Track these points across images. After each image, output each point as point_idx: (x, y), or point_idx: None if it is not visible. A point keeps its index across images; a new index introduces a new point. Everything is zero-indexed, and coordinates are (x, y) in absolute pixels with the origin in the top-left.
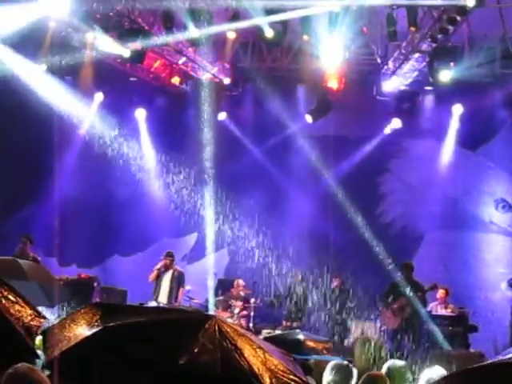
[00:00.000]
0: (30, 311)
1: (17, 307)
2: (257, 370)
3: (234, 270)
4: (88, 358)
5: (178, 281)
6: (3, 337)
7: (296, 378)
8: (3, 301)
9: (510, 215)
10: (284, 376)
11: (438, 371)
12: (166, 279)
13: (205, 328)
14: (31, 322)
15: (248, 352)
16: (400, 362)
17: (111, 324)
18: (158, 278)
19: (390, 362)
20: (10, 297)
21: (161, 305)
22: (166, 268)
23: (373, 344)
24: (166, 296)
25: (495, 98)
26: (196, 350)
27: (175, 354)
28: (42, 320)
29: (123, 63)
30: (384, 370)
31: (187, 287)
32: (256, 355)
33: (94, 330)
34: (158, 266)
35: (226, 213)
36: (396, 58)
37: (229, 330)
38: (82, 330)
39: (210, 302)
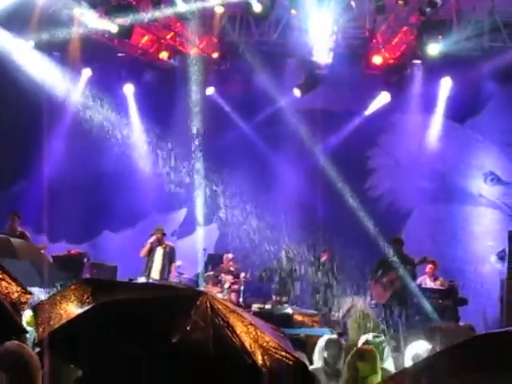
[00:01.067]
0: (17, 288)
1: (3, 283)
2: (249, 347)
3: (224, 245)
4: (79, 336)
5: (170, 256)
6: None
7: (287, 355)
8: None
9: (499, 188)
10: (276, 352)
11: (423, 346)
12: (159, 255)
13: (196, 305)
14: (19, 299)
15: (240, 329)
16: (378, 337)
17: (102, 301)
18: (150, 253)
19: (368, 336)
20: None
21: (151, 281)
22: (159, 243)
23: (364, 316)
24: (159, 272)
25: (483, 71)
26: (188, 328)
27: (167, 331)
28: (28, 296)
29: (111, 39)
30: (360, 343)
31: (178, 262)
32: (248, 332)
33: (86, 307)
34: (151, 241)
35: (214, 188)
36: (384, 32)
37: (220, 306)
38: (73, 307)
39: (200, 277)
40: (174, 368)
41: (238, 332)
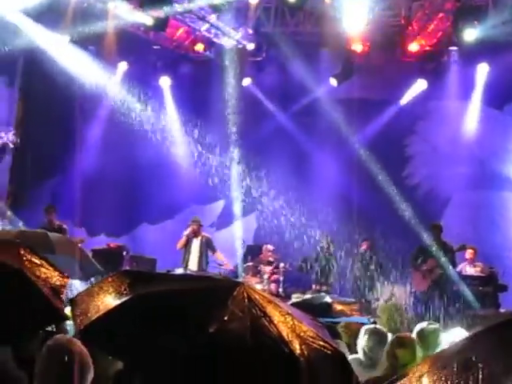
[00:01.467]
0: (54, 272)
1: (42, 269)
2: (286, 337)
3: (263, 236)
4: (117, 327)
5: (207, 246)
6: (31, 300)
7: (326, 344)
8: (28, 264)
9: None
10: (314, 342)
11: (460, 333)
12: (195, 246)
13: (233, 295)
14: (57, 283)
15: (277, 319)
16: (433, 325)
17: (140, 292)
18: (187, 244)
19: (423, 324)
20: (35, 259)
21: (188, 272)
22: (195, 234)
23: (396, 308)
24: (196, 263)
25: None
26: (226, 318)
27: (205, 322)
28: (66, 280)
29: (146, 31)
30: (416, 331)
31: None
32: (285, 322)
33: (123, 298)
34: (187, 233)
35: (252, 178)
36: (420, 19)
37: (257, 296)
38: (111, 299)
39: (239, 269)
40: (211, 358)
41: (275, 322)
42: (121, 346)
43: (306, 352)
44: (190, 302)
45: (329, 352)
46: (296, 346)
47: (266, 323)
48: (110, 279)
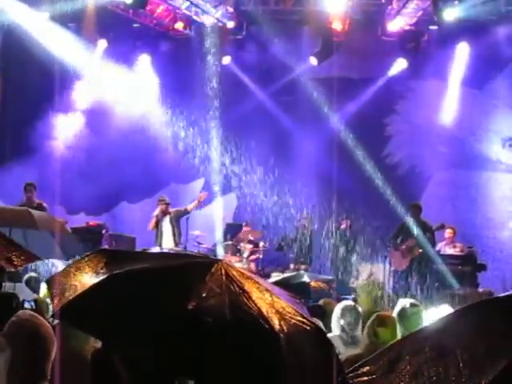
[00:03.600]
0: (16, 249)
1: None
2: (266, 313)
3: (242, 215)
4: (94, 306)
5: (177, 219)
6: None
7: (304, 320)
8: None
9: None
10: (292, 318)
11: (446, 310)
12: (166, 224)
13: (211, 272)
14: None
15: (256, 295)
16: (415, 303)
17: (117, 271)
18: (158, 224)
19: (405, 302)
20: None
21: (164, 250)
22: (164, 213)
23: (374, 285)
24: (172, 240)
25: (500, 36)
26: (204, 295)
27: (183, 299)
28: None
29: (126, 9)
30: (397, 309)
31: (196, 232)
32: (264, 298)
33: (100, 277)
34: (156, 213)
35: (232, 157)
36: None
37: (235, 273)
38: (88, 278)
39: (219, 247)
40: (190, 335)
41: (253, 298)
42: (99, 325)
43: (285, 328)
44: (168, 279)
45: (307, 327)
46: (275, 322)
47: (245, 299)
48: (86, 259)
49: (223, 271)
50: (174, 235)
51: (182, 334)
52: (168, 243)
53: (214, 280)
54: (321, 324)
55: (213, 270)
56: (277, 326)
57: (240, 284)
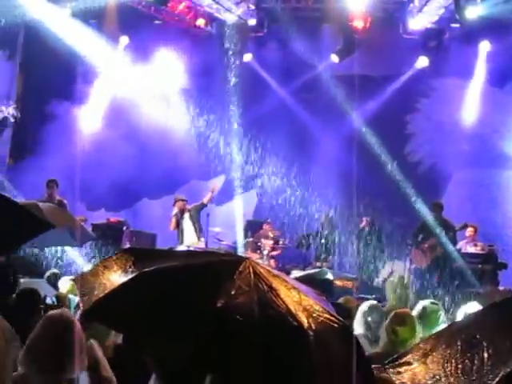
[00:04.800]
0: None
1: None
2: (294, 310)
3: (263, 211)
4: (125, 305)
5: (196, 215)
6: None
7: (332, 317)
8: None
9: None
10: (320, 315)
11: (475, 307)
12: (187, 222)
13: (239, 270)
14: None
15: (284, 292)
16: (435, 304)
17: (146, 269)
18: (178, 224)
19: (425, 303)
20: None
21: (191, 248)
22: (182, 211)
23: (402, 283)
24: (194, 236)
25: None
26: (233, 293)
27: (212, 297)
28: None
29: (147, 6)
30: (418, 309)
31: (216, 229)
32: (291, 295)
33: (130, 275)
34: (174, 213)
35: (253, 154)
36: None
37: (263, 271)
38: (117, 277)
39: (239, 244)
40: (220, 333)
41: (281, 295)
42: (129, 324)
43: (313, 325)
44: (196, 277)
45: (335, 325)
46: (304, 320)
47: (273, 297)
48: (114, 257)
49: (251, 269)
50: (195, 231)
51: (212, 331)
52: (190, 239)
53: (242, 278)
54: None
55: (241, 268)
56: (305, 324)
57: (268, 282)
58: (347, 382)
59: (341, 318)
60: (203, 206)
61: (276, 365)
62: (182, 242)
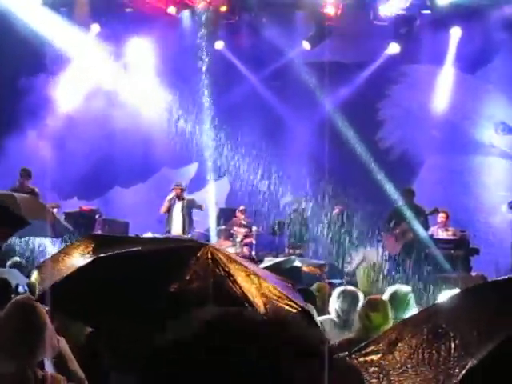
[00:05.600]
0: None
1: None
2: (250, 296)
3: (235, 199)
4: (79, 289)
5: (190, 208)
6: None
7: (291, 303)
8: None
9: (510, 138)
10: (279, 301)
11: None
12: (177, 209)
13: (197, 256)
14: None
15: (241, 278)
16: (405, 288)
17: (102, 255)
18: (170, 209)
19: (396, 287)
20: None
21: (170, 235)
22: (178, 197)
23: (375, 268)
24: (181, 226)
25: (493, 21)
26: (187, 278)
27: (166, 282)
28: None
29: None
30: (388, 294)
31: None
32: (250, 281)
33: (87, 261)
34: (169, 197)
35: (225, 141)
36: None
37: (222, 257)
38: (76, 262)
39: (212, 232)
40: (173, 317)
41: (238, 281)
42: (83, 309)
43: (270, 310)
44: (152, 262)
45: (294, 310)
46: (260, 305)
47: (230, 283)
48: (76, 244)
49: (209, 255)
50: (183, 223)
51: (165, 314)
52: (177, 230)
53: (199, 264)
54: (312, 308)
55: (199, 254)
56: (261, 309)
57: (226, 268)
58: (303, 366)
59: (301, 304)
60: (199, 207)
61: (227, 349)
62: (168, 230)
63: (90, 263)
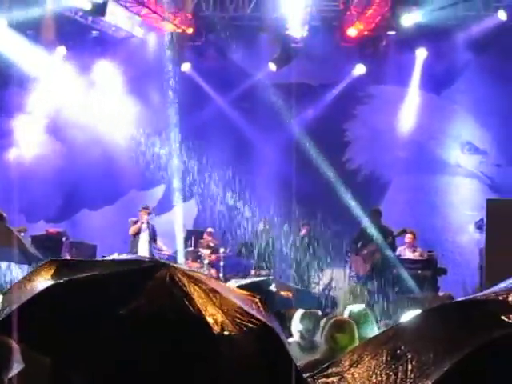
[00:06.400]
0: None
1: None
2: (208, 315)
3: (203, 221)
4: (36, 316)
5: (153, 234)
6: None
7: (252, 319)
8: None
9: (476, 157)
10: (239, 317)
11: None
12: (145, 233)
13: (155, 277)
14: None
15: (199, 298)
16: (360, 306)
17: (58, 280)
18: (138, 233)
19: (351, 307)
20: None
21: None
22: (144, 222)
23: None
24: (147, 250)
25: (458, 41)
26: (143, 301)
27: (121, 304)
28: None
29: (85, 17)
30: (346, 314)
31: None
32: (209, 300)
33: (43, 286)
34: (143, 220)
35: (192, 163)
36: (358, 3)
37: (181, 277)
38: (34, 288)
39: (179, 254)
40: (127, 339)
41: (195, 300)
42: (39, 334)
43: (228, 328)
44: (108, 286)
45: (254, 326)
46: (218, 324)
47: (186, 302)
48: (39, 269)
49: (168, 275)
50: (150, 246)
51: (121, 339)
52: (144, 252)
53: (156, 285)
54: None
55: (157, 274)
56: (216, 327)
57: (184, 287)
58: (260, 379)
59: (262, 319)
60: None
61: (183, 368)
62: (135, 251)
63: (45, 289)
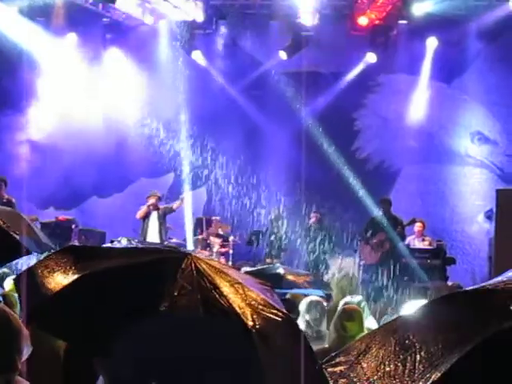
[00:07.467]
0: None
1: None
2: (238, 308)
3: (212, 209)
4: (65, 310)
5: (164, 217)
6: None
7: (277, 311)
8: None
9: (486, 147)
10: (264, 310)
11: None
12: (154, 218)
13: (182, 268)
14: None
15: (227, 289)
16: (356, 297)
17: (87, 271)
18: (146, 216)
19: (346, 299)
20: None
21: (133, 243)
22: (154, 207)
23: (347, 281)
24: (158, 237)
25: (469, 31)
26: (176, 293)
27: (155, 299)
28: None
29: (95, 4)
30: (341, 305)
31: (168, 225)
32: (236, 292)
33: (70, 277)
34: (149, 204)
35: (202, 151)
36: None
37: (205, 267)
38: (57, 278)
39: (189, 242)
40: (164, 336)
41: (225, 293)
42: (71, 328)
43: (257, 322)
44: (139, 278)
45: (280, 319)
46: (248, 317)
47: (217, 295)
48: (53, 256)
49: (193, 266)
50: (160, 232)
51: (157, 335)
52: (154, 237)
53: (184, 276)
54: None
55: (183, 265)
56: (249, 322)
57: (211, 279)
58: (293, 375)
59: (285, 311)
60: (171, 210)
61: (223, 366)
62: (144, 235)
63: (75, 281)
